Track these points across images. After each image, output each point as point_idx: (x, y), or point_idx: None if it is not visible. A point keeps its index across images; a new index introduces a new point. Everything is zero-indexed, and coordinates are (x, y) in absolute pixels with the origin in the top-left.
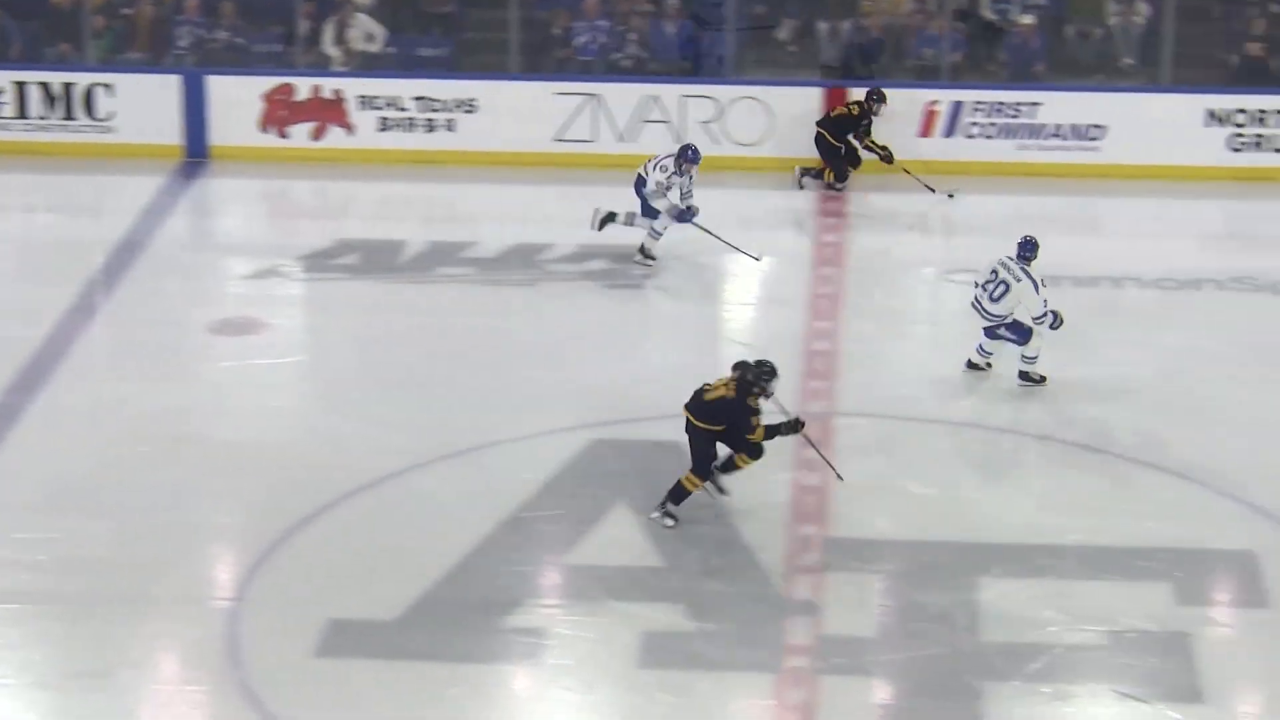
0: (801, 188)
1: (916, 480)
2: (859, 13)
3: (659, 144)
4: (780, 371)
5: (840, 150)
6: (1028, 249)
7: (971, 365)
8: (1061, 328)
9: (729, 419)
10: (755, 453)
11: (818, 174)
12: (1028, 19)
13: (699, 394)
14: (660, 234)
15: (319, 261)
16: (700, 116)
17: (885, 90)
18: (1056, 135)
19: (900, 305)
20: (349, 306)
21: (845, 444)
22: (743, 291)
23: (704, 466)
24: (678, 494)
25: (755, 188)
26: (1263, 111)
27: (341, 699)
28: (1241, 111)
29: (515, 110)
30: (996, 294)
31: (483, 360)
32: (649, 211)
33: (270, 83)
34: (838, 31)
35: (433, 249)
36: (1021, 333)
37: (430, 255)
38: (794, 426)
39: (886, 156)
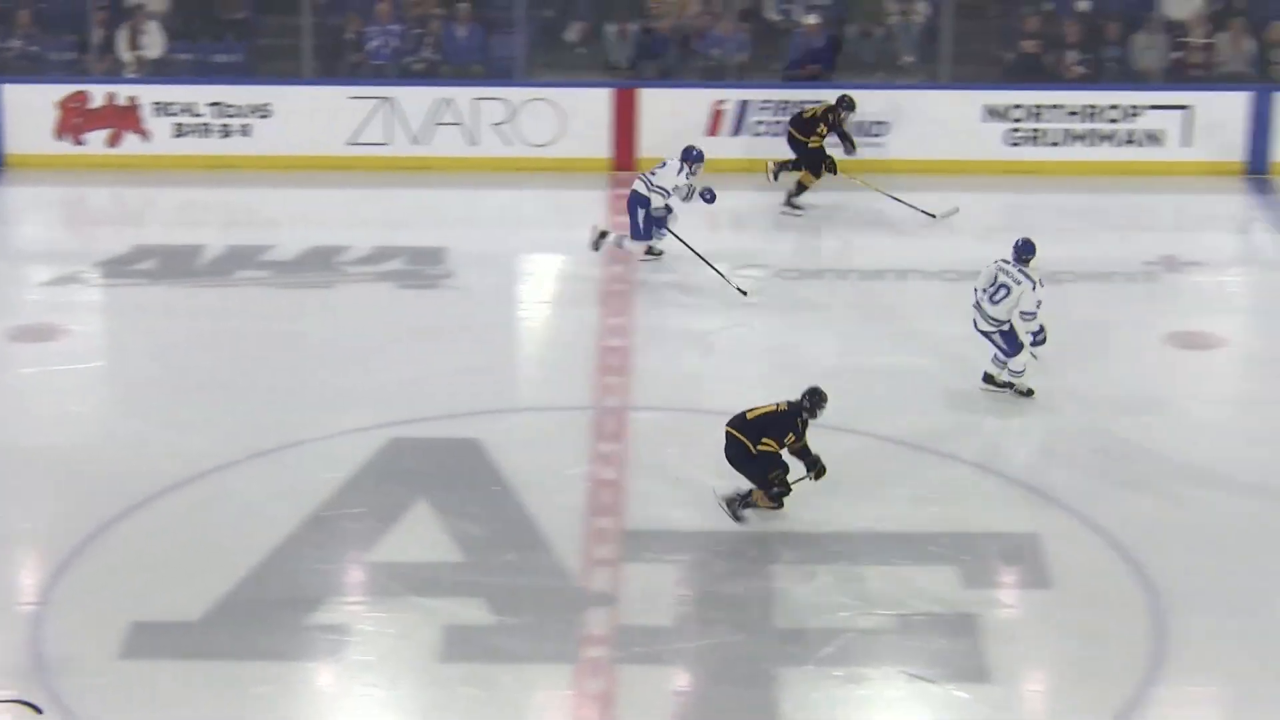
0: (775, 179)
1: (711, 472)
2: (647, 15)
3: (452, 146)
4: (575, 367)
5: (807, 145)
6: (1025, 250)
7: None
8: (1045, 345)
9: (768, 432)
10: (773, 488)
11: (794, 166)
12: (811, 19)
13: (742, 415)
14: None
15: (117, 267)
16: (493, 118)
17: (854, 95)
18: None
19: (692, 300)
20: (148, 311)
21: (640, 436)
22: (536, 290)
23: (766, 483)
24: (747, 501)
25: (549, 187)
26: (1038, 106)
27: (147, 700)
28: (1018, 107)
29: (310, 114)
30: (998, 297)
31: (282, 362)
32: (649, 228)
33: (65, 90)
34: (625, 33)
35: (230, 253)
36: (1013, 345)
37: (228, 259)
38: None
39: (850, 148)
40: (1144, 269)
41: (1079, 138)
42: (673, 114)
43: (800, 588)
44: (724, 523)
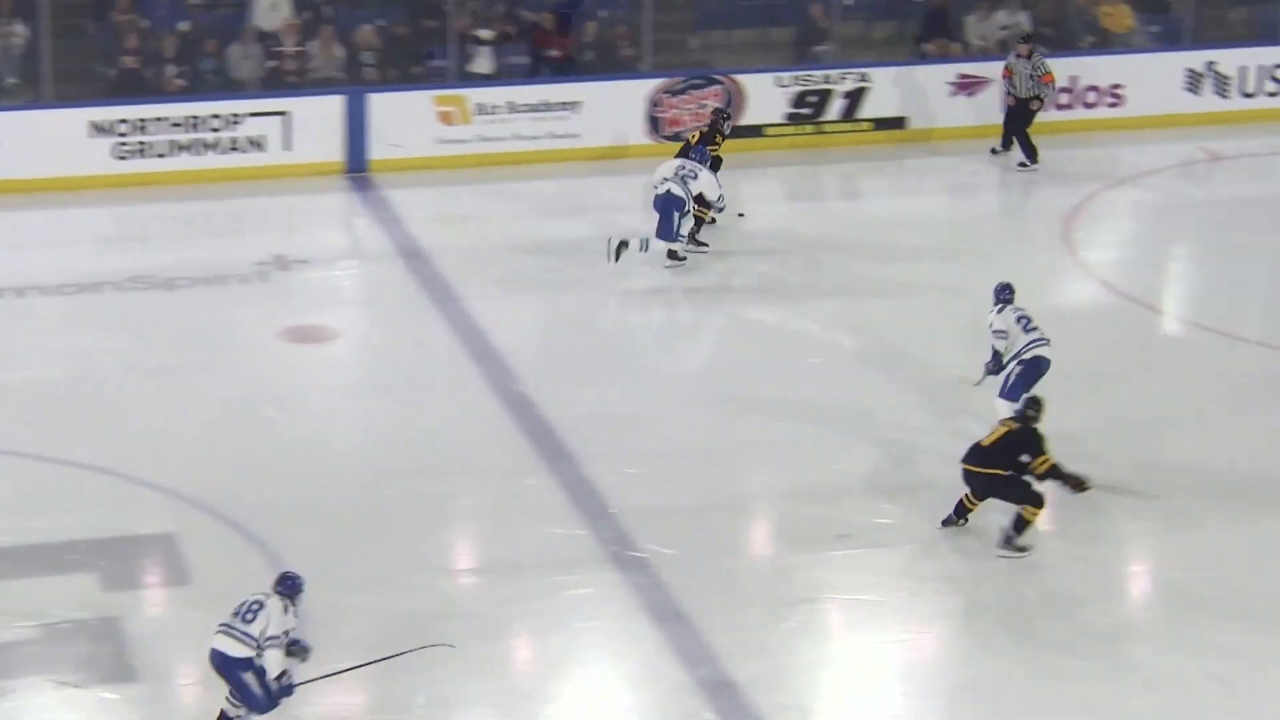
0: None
1: None
2: None
3: None
4: None
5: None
6: (1007, 290)
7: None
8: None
9: (1017, 454)
10: (1038, 501)
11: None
12: None
13: (975, 446)
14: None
15: None
16: None
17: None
18: None
19: None
20: None
21: None
22: None
23: (1029, 495)
24: (1020, 525)
25: None
26: (143, 120)
27: None
28: (124, 121)
29: None
30: (1030, 325)
31: None
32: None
33: None
34: None
35: None
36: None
37: None
38: (1080, 484)
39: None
40: (256, 269)
41: (184, 148)
42: None
43: None
44: None
